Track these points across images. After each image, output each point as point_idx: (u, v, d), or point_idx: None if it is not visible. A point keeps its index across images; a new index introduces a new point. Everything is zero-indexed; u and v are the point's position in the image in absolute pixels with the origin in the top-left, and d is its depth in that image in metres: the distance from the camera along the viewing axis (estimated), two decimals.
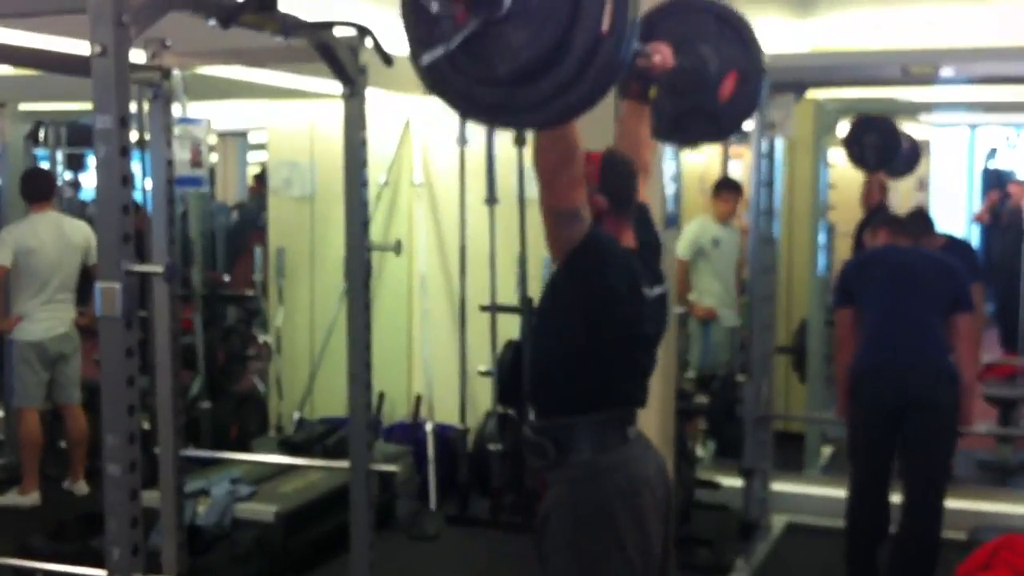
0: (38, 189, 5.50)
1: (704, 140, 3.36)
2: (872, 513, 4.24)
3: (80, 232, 5.49)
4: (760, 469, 4.88)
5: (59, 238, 5.39)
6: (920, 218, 4.84)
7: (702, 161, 8.88)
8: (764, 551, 4.81)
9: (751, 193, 4.89)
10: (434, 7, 1.99)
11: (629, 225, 2.57)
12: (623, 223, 2.55)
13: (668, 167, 3.96)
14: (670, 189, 3.99)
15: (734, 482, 4.96)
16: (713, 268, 6.09)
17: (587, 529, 2.42)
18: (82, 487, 5.53)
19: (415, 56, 2.04)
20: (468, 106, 2.10)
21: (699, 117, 2.97)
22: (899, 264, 4.28)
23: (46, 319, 5.35)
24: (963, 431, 4.24)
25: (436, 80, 2.05)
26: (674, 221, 4.28)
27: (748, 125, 4.84)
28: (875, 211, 6.26)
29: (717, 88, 2.80)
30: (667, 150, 3.97)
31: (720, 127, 3.12)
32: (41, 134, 7.31)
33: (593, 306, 2.43)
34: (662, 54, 2.62)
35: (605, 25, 1.91)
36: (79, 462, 5.53)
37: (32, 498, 5.44)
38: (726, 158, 8.49)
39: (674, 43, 2.76)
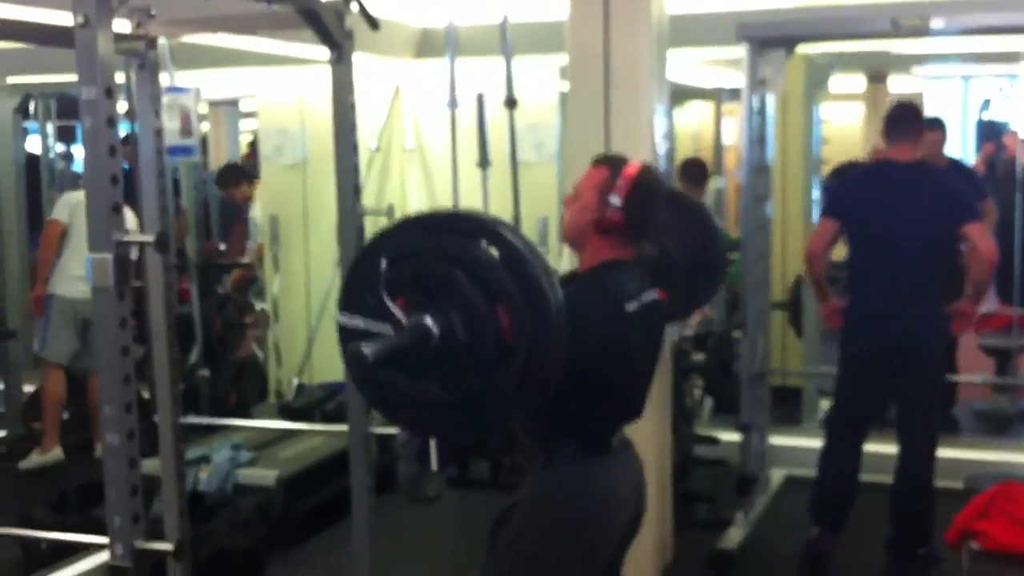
0: None
1: None
2: (845, 460, 4.28)
3: None
4: (758, 424, 4.90)
5: None
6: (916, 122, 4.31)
7: (695, 120, 8.89)
8: (763, 504, 4.85)
9: (743, 150, 4.88)
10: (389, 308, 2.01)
11: (635, 244, 2.53)
12: (630, 242, 2.51)
13: (659, 125, 3.94)
14: (661, 148, 3.98)
15: (733, 437, 4.99)
16: None
17: (552, 534, 2.42)
18: None
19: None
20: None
21: None
22: (895, 192, 4.09)
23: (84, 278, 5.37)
24: (959, 379, 4.26)
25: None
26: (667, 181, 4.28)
27: (738, 82, 4.86)
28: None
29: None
30: (657, 107, 3.96)
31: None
32: (31, 107, 7.27)
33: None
34: None
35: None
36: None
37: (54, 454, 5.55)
38: (719, 116, 8.49)
39: None
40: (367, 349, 1.90)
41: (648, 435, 3.94)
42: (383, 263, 2.02)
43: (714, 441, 5.24)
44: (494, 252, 2.00)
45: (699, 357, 5.36)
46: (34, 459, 5.56)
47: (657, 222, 2.57)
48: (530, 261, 1.98)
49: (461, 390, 1.99)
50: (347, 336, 2.08)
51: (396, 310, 1.99)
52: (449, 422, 2.09)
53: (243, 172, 7.18)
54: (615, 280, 2.44)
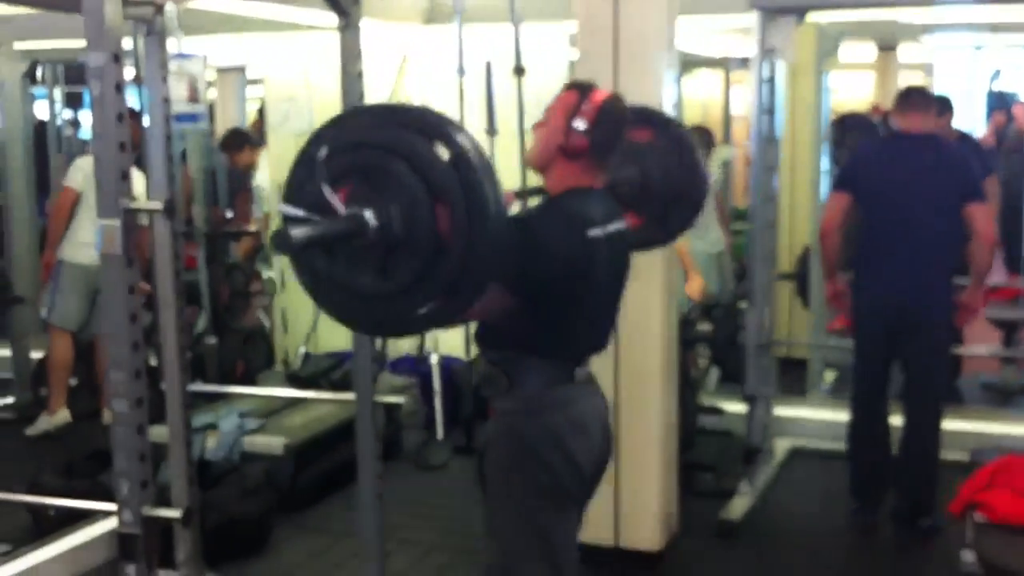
0: None
1: None
2: (871, 432, 4.30)
3: None
4: (763, 395, 4.90)
5: None
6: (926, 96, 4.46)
7: (703, 90, 8.85)
8: (768, 475, 4.86)
9: (752, 120, 4.85)
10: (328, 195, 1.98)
11: (599, 170, 2.54)
12: (595, 168, 2.53)
13: (668, 94, 3.92)
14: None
15: (738, 408, 5.00)
16: None
17: (519, 460, 2.46)
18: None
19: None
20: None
21: None
22: (906, 162, 4.15)
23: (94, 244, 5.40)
24: (966, 351, 4.28)
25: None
26: None
27: (748, 51, 4.82)
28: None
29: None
30: (666, 75, 3.93)
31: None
32: (39, 73, 7.26)
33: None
34: None
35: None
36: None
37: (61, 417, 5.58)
38: (728, 86, 8.45)
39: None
40: (296, 231, 1.89)
41: (654, 404, 3.95)
42: (322, 152, 2.01)
43: (718, 411, 5.25)
44: (445, 153, 1.96)
45: (705, 327, 5.36)
46: (41, 423, 5.59)
47: (622, 148, 2.58)
48: (477, 165, 1.96)
49: (393, 283, 1.98)
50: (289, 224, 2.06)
51: (334, 199, 1.97)
52: (379, 314, 2.08)
53: (247, 137, 7.16)
54: (579, 206, 2.46)
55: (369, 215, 1.94)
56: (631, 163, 2.84)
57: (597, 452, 2.55)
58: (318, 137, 2.07)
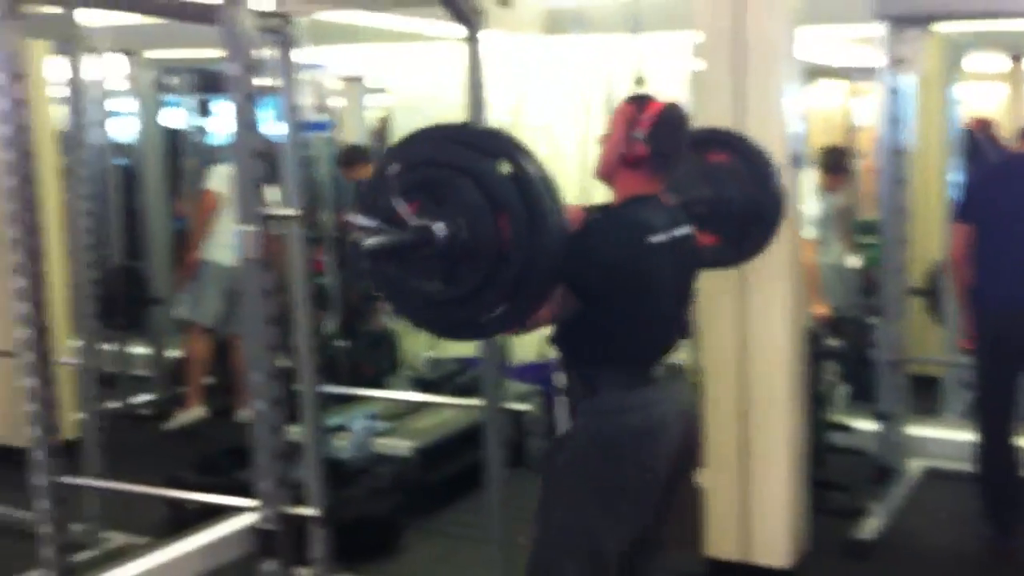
0: None
1: None
2: (998, 455, 4.18)
3: None
4: (896, 413, 4.77)
5: None
6: None
7: (824, 100, 8.68)
8: (901, 495, 4.72)
9: (880, 132, 4.74)
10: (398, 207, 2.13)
11: (662, 179, 2.60)
12: (657, 176, 2.58)
13: (791, 104, 3.83)
14: (794, 128, 3.86)
15: (869, 426, 4.87)
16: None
17: (590, 458, 2.53)
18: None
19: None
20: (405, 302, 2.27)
21: None
22: (1017, 181, 4.17)
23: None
24: None
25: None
26: (799, 162, 4.15)
27: (869, 61, 4.70)
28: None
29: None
30: (789, 86, 3.84)
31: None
32: (168, 81, 7.46)
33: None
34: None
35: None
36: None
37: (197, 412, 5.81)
38: (850, 97, 8.27)
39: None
40: (367, 241, 2.09)
41: (781, 419, 3.88)
42: (393, 168, 2.17)
43: (847, 428, 5.12)
44: (506, 169, 2.14)
45: (834, 343, 5.22)
46: (178, 419, 5.80)
47: (697, 169, 2.75)
48: (535, 180, 2.13)
49: (460, 288, 2.15)
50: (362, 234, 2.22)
51: (404, 210, 2.13)
52: (449, 318, 2.24)
53: (363, 154, 7.24)
54: (640, 213, 2.54)
55: (438, 226, 2.11)
56: (705, 183, 2.95)
57: (675, 448, 2.60)
58: (390, 155, 2.25)
